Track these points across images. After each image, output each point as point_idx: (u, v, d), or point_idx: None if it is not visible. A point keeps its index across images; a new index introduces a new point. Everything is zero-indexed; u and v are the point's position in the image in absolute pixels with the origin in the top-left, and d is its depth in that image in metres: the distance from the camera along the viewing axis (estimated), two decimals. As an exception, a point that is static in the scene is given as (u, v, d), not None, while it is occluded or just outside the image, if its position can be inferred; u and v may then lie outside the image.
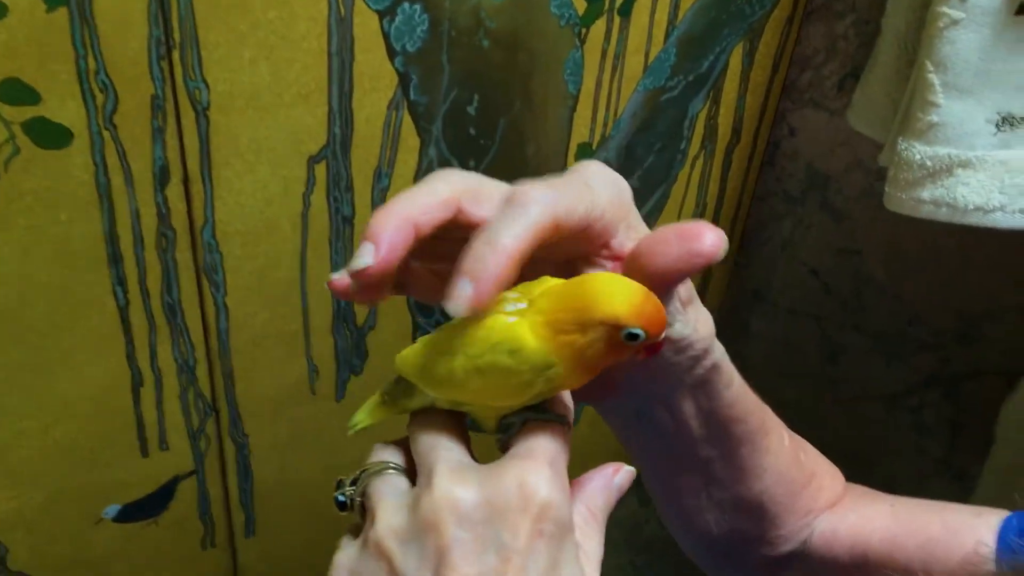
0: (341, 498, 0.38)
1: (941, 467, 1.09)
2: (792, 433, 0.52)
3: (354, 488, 0.37)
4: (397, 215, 0.35)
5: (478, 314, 0.34)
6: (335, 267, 0.71)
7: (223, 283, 0.67)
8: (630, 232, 0.39)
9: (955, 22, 0.67)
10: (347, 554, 0.35)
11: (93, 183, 0.58)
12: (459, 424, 0.38)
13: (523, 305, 0.35)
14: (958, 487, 1.08)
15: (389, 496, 0.36)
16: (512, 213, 0.35)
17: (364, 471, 0.37)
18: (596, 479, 0.38)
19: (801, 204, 0.94)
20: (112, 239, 0.61)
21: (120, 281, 0.63)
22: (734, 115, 0.84)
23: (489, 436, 0.38)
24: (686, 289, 0.40)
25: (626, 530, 1.20)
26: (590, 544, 0.36)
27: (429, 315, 0.79)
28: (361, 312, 0.75)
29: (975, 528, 0.47)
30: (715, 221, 0.92)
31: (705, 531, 0.52)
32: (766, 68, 0.82)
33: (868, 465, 1.09)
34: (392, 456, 0.38)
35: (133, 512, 0.75)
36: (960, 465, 1.07)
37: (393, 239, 0.34)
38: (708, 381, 0.44)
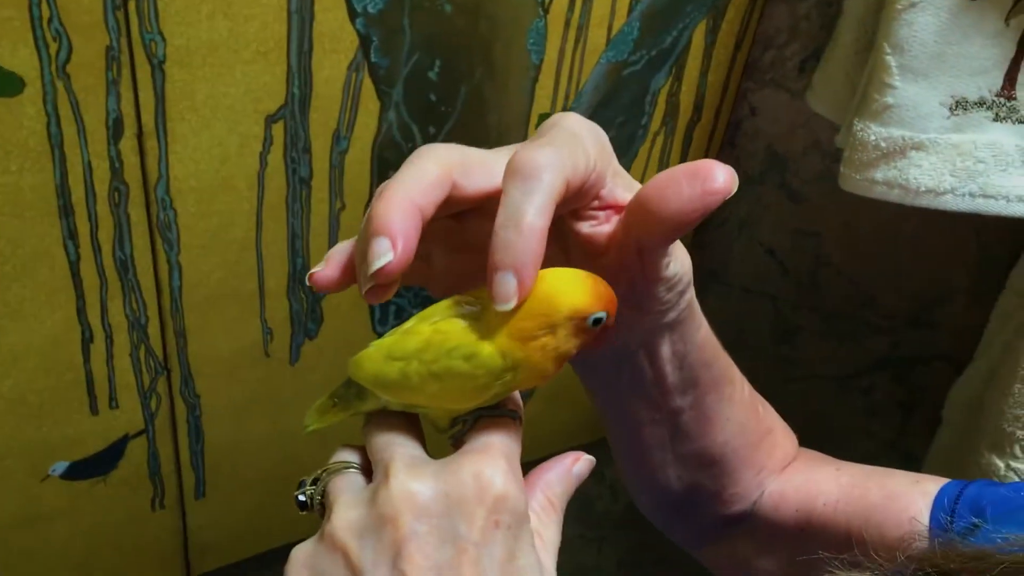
0: (302, 498, 0.38)
1: (890, 449, 1.11)
2: (751, 386, 0.53)
3: (315, 487, 0.38)
4: (402, 202, 0.34)
5: (522, 302, 0.34)
6: (291, 229, 0.71)
7: (176, 241, 0.67)
8: (617, 179, 0.39)
9: (913, 4, 0.68)
10: (304, 549, 0.35)
11: (45, 133, 0.58)
12: (413, 422, 0.39)
13: (476, 308, 0.36)
14: (905, 468, 1.10)
15: (347, 492, 0.36)
16: (526, 187, 0.34)
17: (324, 471, 0.38)
18: (555, 468, 0.38)
19: (760, 184, 0.95)
20: (63, 191, 0.60)
21: (71, 235, 0.62)
22: (696, 92, 0.84)
23: (442, 433, 0.39)
24: None
25: (578, 504, 1.21)
26: (548, 532, 0.37)
27: (386, 281, 0.79)
28: (317, 276, 0.75)
29: (912, 496, 0.48)
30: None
31: (665, 487, 0.53)
32: (728, 46, 0.83)
33: (818, 445, 1.10)
34: (352, 457, 0.38)
35: (81, 470, 0.74)
36: (908, 447, 1.10)
37: (407, 229, 0.33)
38: (685, 320, 0.44)
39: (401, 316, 0.81)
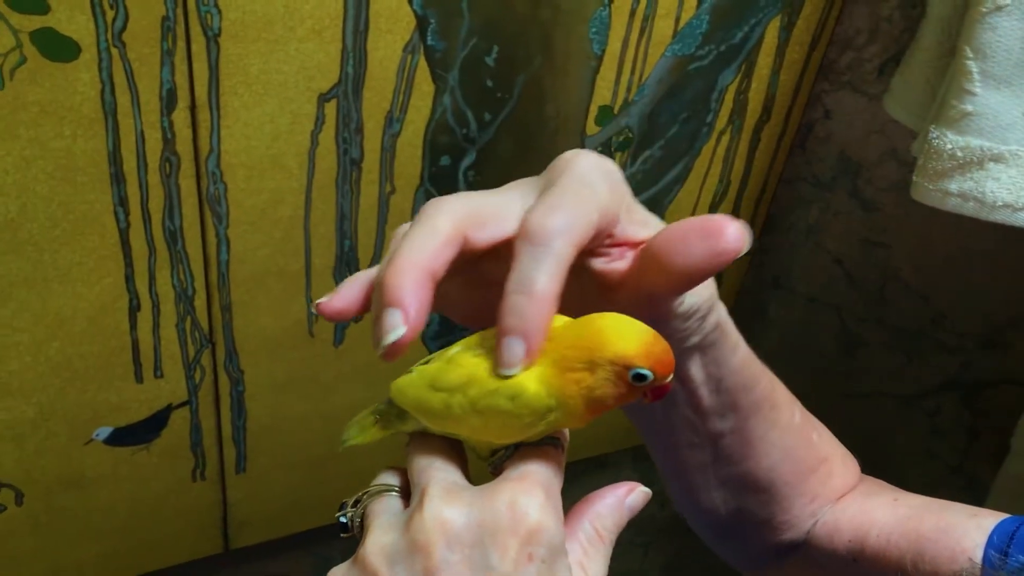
0: (343, 520, 0.38)
1: (954, 474, 1.06)
2: (807, 413, 0.51)
3: (355, 509, 0.38)
4: (413, 270, 0.34)
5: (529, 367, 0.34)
6: (339, 210, 0.71)
7: (226, 215, 0.67)
8: (631, 215, 0.38)
9: (999, 8, 0.64)
10: (339, 570, 0.35)
11: (99, 100, 0.58)
12: (455, 446, 0.38)
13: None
14: (969, 495, 1.05)
15: (383, 515, 0.36)
16: (537, 253, 0.34)
17: (365, 493, 0.38)
18: (608, 498, 0.37)
19: (830, 190, 0.91)
20: (115, 159, 0.61)
21: (121, 202, 0.63)
22: (766, 91, 0.82)
23: (482, 460, 0.38)
24: None
25: (626, 507, 1.18)
26: (594, 566, 0.36)
27: (435, 268, 0.78)
28: (364, 258, 0.74)
29: (967, 529, 0.46)
30: (738, 201, 0.90)
31: (711, 510, 0.52)
32: (803, 45, 0.80)
33: (878, 466, 1.06)
34: (393, 480, 0.38)
35: (124, 436, 0.75)
36: (973, 473, 1.05)
37: (419, 299, 0.33)
38: (714, 344, 0.43)
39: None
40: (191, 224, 0.66)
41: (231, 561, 0.92)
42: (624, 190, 0.38)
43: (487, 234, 0.36)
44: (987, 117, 0.67)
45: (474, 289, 0.40)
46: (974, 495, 1.03)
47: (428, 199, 0.73)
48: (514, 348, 0.34)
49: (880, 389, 1.03)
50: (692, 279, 0.36)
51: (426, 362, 0.37)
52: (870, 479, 0.55)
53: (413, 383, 0.37)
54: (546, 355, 0.34)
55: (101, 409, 0.73)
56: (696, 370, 0.44)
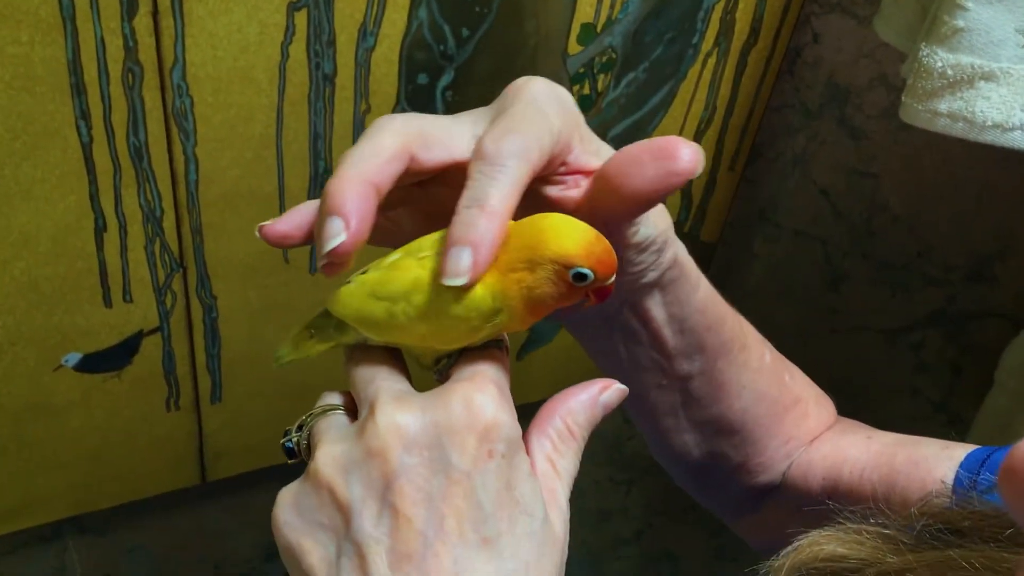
0: (289, 444, 0.38)
1: (937, 409, 1.06)
2: (778, 354, 0.52)
3: (300, 433, 0.37)
4: (355, 181, 0.33)
5: (475, 283, 0.33)
6: (312, 129, 0.68)
7: (193, 131, 0.64)
8: (584, 144, 0.38)
9: (994, -84, 0.62)
10: (289, 489, 0.35)
11: (56, 3, 0.56)
12: (397, 356, 0.37)
13: None
14: (952, 431, 1.05)
15: (331, 430, 0.35)
16: (492, 173, 0.34)
17: (309, 415, 0.37)
18: (580, 394, 0.37)
19: (817, 118, 0.89)
20: (76, 68, 0.58)
21: (83, 115, 0.60)
22: (753, 12, 0.79)
23: (426, 370, 0.38)
24: None
25: (607, 445, 1.18)
26: (563, 462, 0.36)
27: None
28: (340, 180, 0.72)
29: (938, 461, 0.46)
30: (724, 129, 0.88)
31: (684, 453, 0.52)
32: (792, -37, 0.78)
33: (861, 401, 1.06)
34: (336, 400, 0.38)
35: (95, 362, 0.74)
36: (956, 408, 1.04)
37: (361, 209, 0.33)
38: (674, 280, 0.43)
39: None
40: (157, 140, 0.64)
41: (208, 493, 0.91)
42: (577, 117, 0.38)
43: (434, 155, 0.36)
44: (979, 33, 0.65)
45: (425, 219, 0.40)
46: (957, 430, 1.03)
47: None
48: (462, 257, 0.33)
49: (865, 324, 1.02)
50: (645, 201, 0.36)
51: (364, 271, 0.36)
52: (845, 419, 0.55)
53: (352, 293, 0.36)
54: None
55: (70, 334, 0.71)
56: (657, 309, 0.44)
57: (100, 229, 0.66)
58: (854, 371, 1.06)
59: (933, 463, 0.46)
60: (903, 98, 0.70)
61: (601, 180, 0.37)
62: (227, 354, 0.78)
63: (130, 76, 0.60)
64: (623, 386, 0.38)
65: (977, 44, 0.65)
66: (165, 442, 0.82)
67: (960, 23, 0.65)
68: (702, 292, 0.45)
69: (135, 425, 0.79)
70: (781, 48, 0.84)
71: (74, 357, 0.72)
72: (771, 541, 0.55)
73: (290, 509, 0.34)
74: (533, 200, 0.39)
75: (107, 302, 0.70)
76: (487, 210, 0.33)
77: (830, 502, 0.50)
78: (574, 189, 0.39)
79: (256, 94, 0.65)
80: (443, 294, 0.34)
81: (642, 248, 0.41)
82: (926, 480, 0.46)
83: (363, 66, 0.67)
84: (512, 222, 0.34)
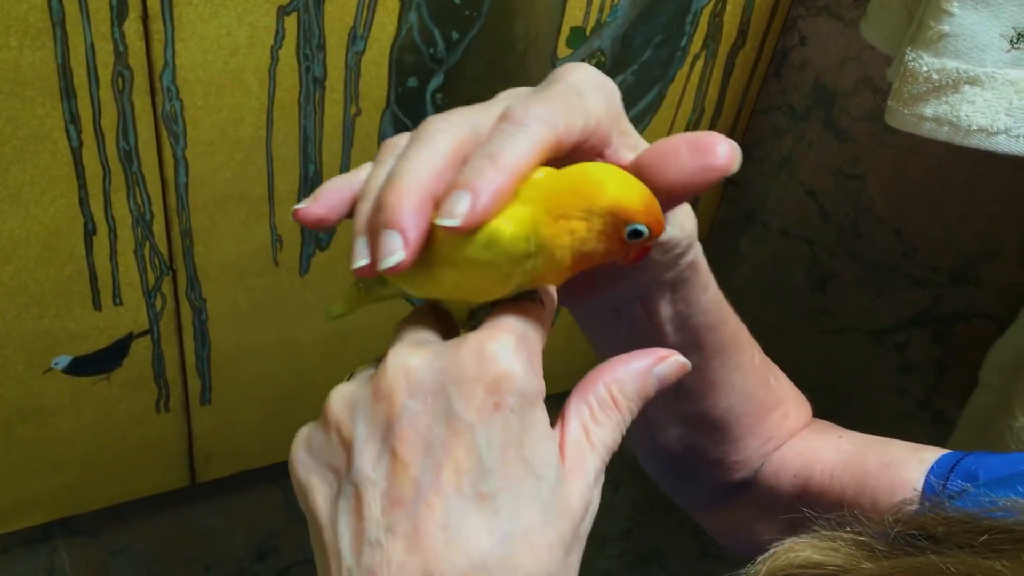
0: None
1: (921, 408, 1.07)
2: (764, 356, 0.52)
3: None
4: (414, 192, 0.32)
5: (470, 230, 0.32)
6: (302, 132, 0.69)
7: (183, 134, 0.64)
8: (624, 139, 0.37)
9: (979, -77, 0.62)
10: (305, 427, 0.34)
11: (46, 8, 0.55)
12: (440, 316, 0.37)
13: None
14: (936, 430, 1.06)
15: (355, 376, 0.35)
16: (512, 131, 0.33)
17: (350, 375, 0.37)
18: (632, 362, 0.35)
19: (804, 120, 0.90)
20: (65, 72, 0.58)
21: (73, 119, 0.60)
22: (741, 15, 0.80)
23: (461, 328, 0.37)
24: None
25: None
26: (601, 432, 0.33)
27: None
28: (330, 183, 0.73)
29: (909, 464, 0.47)
30: (711, 130, 0.88)
31: (665, 446, 0.52)
32: (779, -33, 0.78)
33: (848, 399, 1.07)
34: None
35: (84, 365, 0.74)
36: (940, 408, 1.05)
37: (419, 224, 0.32)
38: (686, 281, 0.43)
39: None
40: (147, 144, 0.64)
41: (198, 494, 0.91)
42: (620, 111, 0.37)
43: None
44: (964, 38, 0.66)
45: None
46: (941, 430, 1.04)
47: (395, 123, 0.71)
48: (460, 201, 0.31)
49: (851, 324, 1.03)
50: (679, 195, 0.35)
51: None
52: (818, 420, 0.56)
53: None
54: (532, 200, 0.32)
55: (59, 337, 0.71)
56: (665, 306, 0.44)
57: (90, 233, 0.66)
58: (841, 370, 1.07)
59: (903, 465, 0.47)
60: (889, 102, 0.71)
61: (635, 171, 0.36)
62: (217, 356, 0.79)
63: (120, 80, 0.60)
64: (684, 360, 0.36)
65: (962, 49, 0.66)
66: (155, 444, 0.82)
67: (945, 28, 0.66)
68: (710, 293, 0.45)
69: (125, 427, 0.79)
70: (768, 51, 0.84)
71: (64, 360, 0.72)
72: (736, 536, 0.56)
73: (303, 447, 0.34)
74: None
75: (97, 305, 0.70)
76: (498, 163, 0.32)
77: (804, 509, 0.50)
78: None
79: (246, 97, 0.65)
80: (472, 239, 0.32)
81: (666, 248, 0.40)
82: (895, 482, 0.46)
83: (353, 69, 0.67)
84: (554, 170, 0.33)
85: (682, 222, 0.40)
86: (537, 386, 0.32)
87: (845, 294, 1.01)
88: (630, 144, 0.37)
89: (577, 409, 0.34)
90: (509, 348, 0.32)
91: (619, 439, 0.34)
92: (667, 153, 0.35)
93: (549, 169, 0.33)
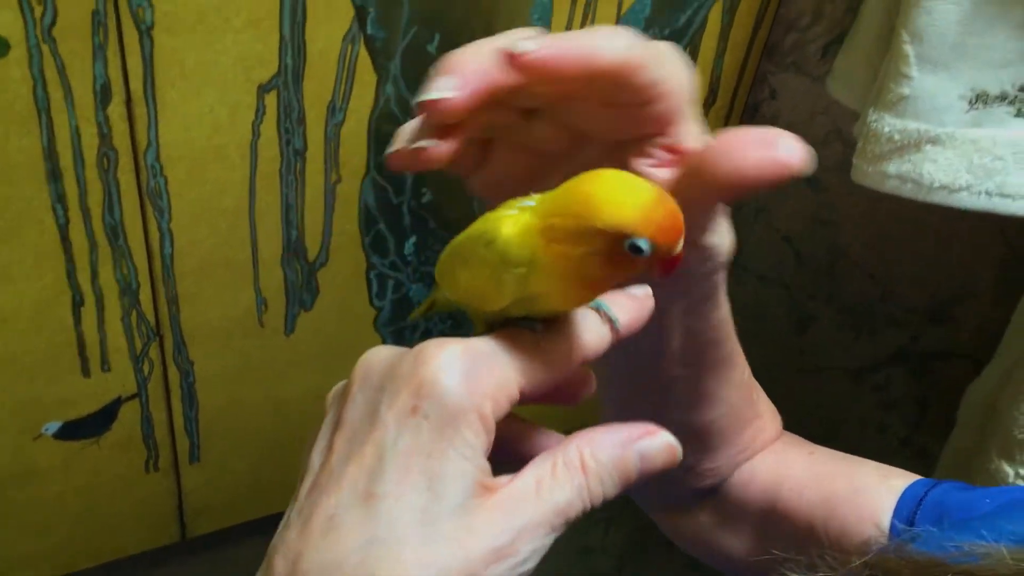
0: None
1: (903, 446, 1.08)
2: (749, 370, 0.51)
3: None
4: (490, 51, 0.32)
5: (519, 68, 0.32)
6: (284, 200, 0.70)
7: (167, 208, 0.66)
8: (691, 126, 0.36)
9: (934, -8, 0.65)
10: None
11: (31, 96, 0.57)
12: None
13: (531, 203, 0.31)
14: (919, 466, 1.07)
15: None
16: (593, 29, 0.33)
17: None
18: (614, 432, 0.32)
19: (778, 170, 0.92)
20: (51, 155, 0.60)
21: (60, 199, 0.62)
22: (711, 74, 0.82)
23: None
24: None
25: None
26: (555, 489, 0.30)
27: (384, 255, 0.78)
28: (312, 247, 0.74)
29: (878, 492, 0.46)
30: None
31: None
32: (746, 27, 0.80)
33: (830, 438, 1.08)
34: None
35: (74, 430, 0.75)
36: (922, 445, 1.07)
37: (484, 77, 0.31)
38: (708, 298, 0.42)
39: (400, 290, 0.80)
40: (132, 218, 0.65)
41: (189, 549, 0.92)
42: (694, 97, 0.36)
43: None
44: (924, 100, 0.68)
45: (518, 153, 0.39)
46: (924, 465, 1.05)
47: (375, 188, 0.73)
48: (526, 41, 0.31)
49: (831, 364, 1.05)
50: (741, 184, 0.33)
51: None
52: (788, 434, 0.55)
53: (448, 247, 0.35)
54: (538, 220, 0.30)
55: (50, 403, 0.72)
56: (677, 318, 0.43)
57: (77, 304, 0.68)
58: (823, 409, 1.09)
59: (873, 494, 0.46)
60: (854, 160, 0.73)
61: (701, 162, 0.34)
62: (205, 416, 0.80)
63: (105, 160, 0.62)
64: (674, 442, 0.33)
65: (922, 110, 0.68)
66: (145, 502, 0.83)
67: (905, 91, 0.68)
68: (722, 311, 0.44)
69: (115, 487, 0.80)
70: (739, 105, 0.86)
71: (54, 425, 0.74)
72: (696, 542, 0.55)
73: (313, 432, 0.34)
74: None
75: (85, 372, 0.72)
76: (576, 39, 0.32)
77: (772, 533, 0.50)
78: (663, 169, 0.36)
79: (229, 170, 0.67)
80: (477, 234, 0.31)
81: (704, 257, 0.39)
82: (863, 512, 0.46)
83: (332, 140, 0.69)
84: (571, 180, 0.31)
85: (723, 233, 0.39)
86: (466, 403, 0.29)
87: (824, 335, 1.03)
88: (694, 132, 0.36)
89: (540, 462, 0.31)
90: (446, 357, 0.30)
91: (577, 504, 0.31)
92: (739, 144, 0.33)
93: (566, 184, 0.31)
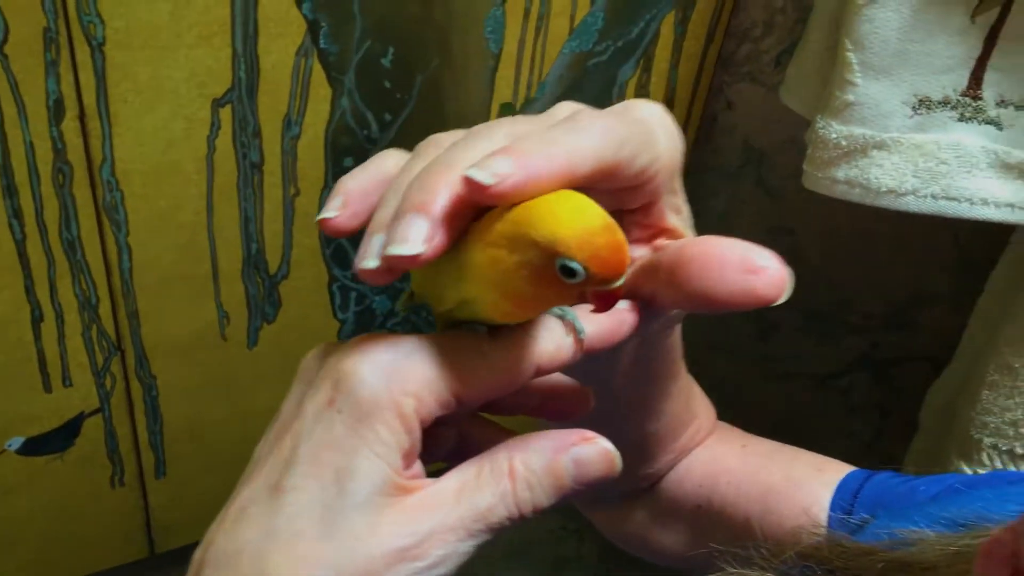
0: None
1: (868, 450, 1.09)
2: (688, 373, 0.50)
3: None
4: (455, 180, 0.28)
5: (496, 197, 0.28)
6: (243, 213, 0.71)
7: (125, 222, 0.67)
8: (673, 199, 0.34)
9: (874, 0, 0.66)
10: None
11: (-16, 113, 0.58)
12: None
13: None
14: (887, 468, 1.08)
15: None
16: (576, 128, 0.29)
17: None
18: (547, 438, 0.31)
19: (737, 180, 0.93)
20: (6, 171, 0.61)
21: (16, 214, 0.63)
22: (666, 85, 0.83)
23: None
24: None
25: (557, 495, 1.20)
26: (477, 494, 0.29)
27: (346, 267, 0.79)
28: (273, 260, 0.75)
29: (813, 485, 0.46)
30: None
31: None
32: (700, 38, 0.82)
33: (795, 443, 1.09)
34: None
35: (37, 446, 0.75)
36: (886, 448, 1.08)
37: (453, 218, 0.28)
38: (665, 333, 0.41)
39: (363, 302, 0.81)
40: (89, 233, 0.66)
41: (157, 565, 0.92)
42: (680, 163, 0.33)
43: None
44: (868, 106, 0.69)
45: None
46: (890, 468, 1.06)
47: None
48: (501, 162, 0.27)
49: (795, 370, 1.06)
50: (707, 306, 0.31)
51: None
52: (723, 424, 0.54)
53: None
54: (483, 222, 0.29)
55: (11, 420, 0.73)
56: (628, 346, 0.41)
57: (37, 319, 0.68)
58: (789, 415, 1.10)
59: (808, 487, 0.46)
60: (804, 166, 0.74)
61: (675, 263, 0.32)
62: (169, 430, 0.80)
63: (60, 176, 0.63)
64: (611, 448, 0.31)
65: (868, 116, 0.70)
66: (112, 517, 0.83)
67: (851, 97, 0.69)
68: (674, 335, 0.42)
69: (81, 503, 0.81)
70: (696, 116, 0.88)
71: (16, 441, 0.74)
72: (628, 537, 0.54)
73: None
74: None
75: (47, 387, 0.72)
76: (551, 149, 0.28)
77: (707, 528, 0.50)
78: (637, 248, 0.35)
79: (185, 185, 0.67)
80: None
81: (664, 324, 0.38)
82: (798, 505, 0.45)
83: (289, 154, 0.70)
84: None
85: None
86: (382, 399, 0.28)
87: (787, 342, 1.04)
88: (674, 205, 0.34)
89: (467, 466, 0.30)
90: (369, 350, 0.29)
91: (500, 511, 0.29)
92: (714, 265, 0.31)
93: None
